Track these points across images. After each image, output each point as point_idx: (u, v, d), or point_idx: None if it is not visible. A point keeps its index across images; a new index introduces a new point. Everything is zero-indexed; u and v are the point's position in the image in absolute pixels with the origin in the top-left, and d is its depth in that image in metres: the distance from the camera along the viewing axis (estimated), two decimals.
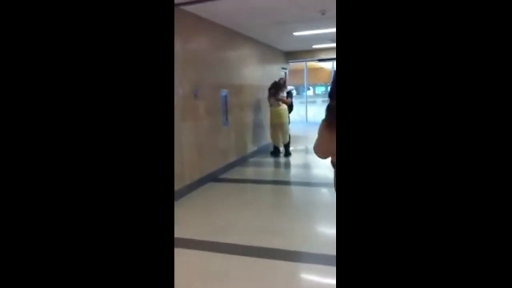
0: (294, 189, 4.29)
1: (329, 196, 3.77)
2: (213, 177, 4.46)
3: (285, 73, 8.55)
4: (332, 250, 2.65)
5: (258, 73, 6.38)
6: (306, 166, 5.44)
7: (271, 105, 5.87)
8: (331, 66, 10.24)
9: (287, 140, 5.88)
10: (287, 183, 4.54)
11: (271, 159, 5.82)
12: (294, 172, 5.25)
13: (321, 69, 15.21)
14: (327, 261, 2.36)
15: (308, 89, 13.23)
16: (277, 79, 6.11)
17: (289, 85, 6.97)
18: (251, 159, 5.78)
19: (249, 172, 5.17)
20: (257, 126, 6.29)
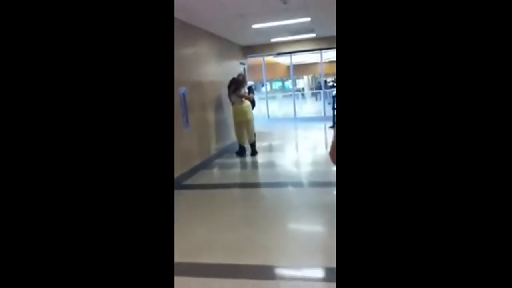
0: (265, 191, 3.99)
1: (301, 196, 3.59)
2: (177, 185, 4.04)
3: (244, 68, 8.25)
4: (319, 259, 2.48)
5: (217, 69, 6.00)
6: (273, 165, 5.16)
7: (233, 103, 5.54)
8: (288, 61, 10.12)
9: (253, 138, 5.59)
10: (257, 185, 4.23)
11: (237, 160, 5.48)
12: (262, 172, 4.95)
13: (278, 64, 15.17)
14: (315, 274, 2.12)
15: (266, 84, 13.09)
16: (236, 75, 5.75)
17: (249, 81, 6.68)
18: (216, 161, 5.41)
19: (216, 175, 4.80)
20: (220, 125, 5.93)
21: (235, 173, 4.91)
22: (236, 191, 3.99)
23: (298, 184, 4.04)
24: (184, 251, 2.37)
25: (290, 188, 3.90)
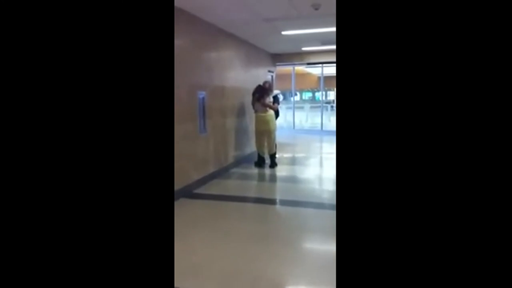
0: (279, 209, 3.66)
1: (320, 219, 3.21)
2: (186, 192, 3.85)
3: (272, 76, 8.03)
4: None
5: (242, 75, 5.82)
6: (292, 180, 4.79)
7: (256, 111, 5.30)
8: (319, 71, 9.81)
9: (274, 150, 5.32)
10: (273, 202, 3.87)
11: (254, 171, 5.23)
12: (281, 188, 4.60)
13: (309, 74, 14.86)
14: None
15: (295, 94, 12.80)
16: (262, 83, 5.51)
17: (276, 89, 6.42)
18: (233, 170, 5.18)
19: (229, 186, 4.51)
20: (241, 133, 5.71)
21: (250, 186, 4.61)
22: (248, 206, 3.67)
23: (318, 205, 3.62)
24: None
25: (309, 209, 3.49)
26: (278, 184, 4.71)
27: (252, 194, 4.17)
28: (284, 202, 3.79)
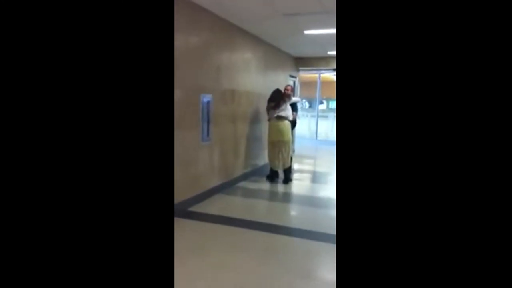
0: (293, 243, 2.78)
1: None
2: (181, 211, 3.31)
3: (294, 82, 7.42)
4: None
5: (258, 79, 5.26)
6: (310, 202, 4.01)
7: (269, 119, 4.71)
8: None
9: (289, 163, 4.69)
10: (283, 230, 3.03)
11: (265, 186, 4.61)
12: (294, 211, 3.86)
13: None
14: None
15: (322, 102, 12.11)
16: (282, 87, 4.89)
17: (296, 97, 5.76)
18: (240, 184, 4.60)
19: (232, 204, 3.88)
20: (253, 142, 5.13)
21: (256, 206, 3.90)
22: (253, 235, 2.95)
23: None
24: None
25: (328, 244, 2.72)
26: (291, 206, 4.00)
27: (256, 217, 3.41)
28: (293, 232, 3.05)
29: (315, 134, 9.22)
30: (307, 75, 8.48)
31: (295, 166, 6.02)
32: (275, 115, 4.55)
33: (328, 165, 6.50)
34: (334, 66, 7.61)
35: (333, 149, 7.90)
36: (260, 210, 3.73)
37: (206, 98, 3.76)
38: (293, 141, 5.00)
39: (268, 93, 4.79)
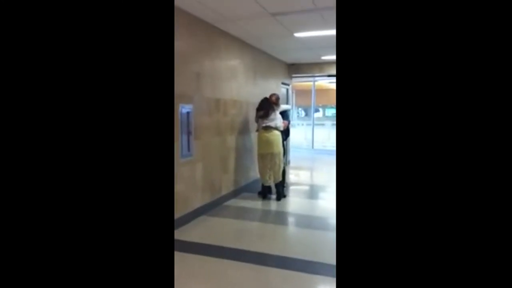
0: (288, 279, 2.29)
1: None
2: None
3: (287, 89, 7.04)
4: None
5: (247, 87, 4.86)
6: (306, 223, 3.50)
7: (257, 130, 4.30)
8: None
9: (280, 177, 4.25)
10: (276, 261, 2.54)
11: (257, 204, 4.16)
12: (289, 235, 3.34)
13: (332, 90, 13.80)
14: None
15: (317, 110, 11.75)
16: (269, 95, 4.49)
17: (297, 105, 5.36)
18: (228, 202, 4.16)
19: (218, 228, 3.37)
20: (243, 155, 4.71)
21: (244, 229, 3.37)
22: (235, 267, 2.49)
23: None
24: None
25: (326, 278, 2.31)
26: (284, 229, 3.49)
27: (244, 244, 2.92)
28: (290, 264, 2.54)
29: (311, 144, 8.81)
30: (301, 83, 8.12)
31: (291, 178, 5.58)
32: (263, 125, 4.14)
33: (325, 177, 6.06)
34: (329, 72, 7.26)
35: (330, 159, 7.47)
36: (249, 235, 3.24)
37: (185, 108, 3.35)
38: (286, 153, 4.58)
39: (257, 102, 4.39)
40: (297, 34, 4.37)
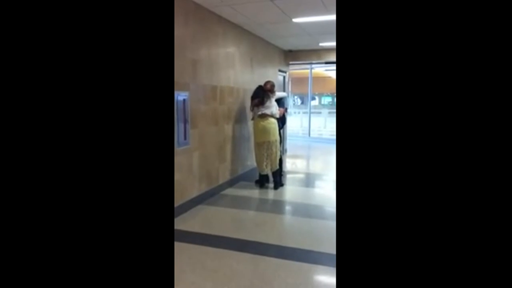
0: (287, 269, 2.27)
1: None
2: None
3: (284, 77, 6.94)
4: None
5: (244, 74, 4.77)
6: (304, 211, 3.51)
7: (253, 118, 4.23)
8: None
9: (277, 166, 4.21)
10: (274, 251, 2.53)
11: (254, 193, 4.14)
12: (288, 224, 3.34)
13: (329, 78, 13.69)
14: None
15: (314, 98, 11.68)
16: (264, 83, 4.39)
17: (293, 93, 5.29)
18: (226, 191, 4.13)
19: (216, 217, 3.35)
20: (240, 144, 4.65)
21: (241, 218, 3.36)
22: (233, 257, 2.48)
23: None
24: None
25: (327, 268, 2.31)
26: (282, 218, 3.48)
27: (241, 234, 2.89)
28: (289, 253, 2.52)
29: (308, 132, 8.77)
30: (298, 71, 8.02)
31: (288, 167, 5.56)
32: (259, 113, 4.07)
33: (322, 165, 6.05)
34: (327, 59, 7.16)
35: (327, 147, 7.46)
36: (247, 224, 3.22)
37: (181, 96, 3.27)
38: (282, 141, 4.54)
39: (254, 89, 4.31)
40: (295, 20, 4.26)
